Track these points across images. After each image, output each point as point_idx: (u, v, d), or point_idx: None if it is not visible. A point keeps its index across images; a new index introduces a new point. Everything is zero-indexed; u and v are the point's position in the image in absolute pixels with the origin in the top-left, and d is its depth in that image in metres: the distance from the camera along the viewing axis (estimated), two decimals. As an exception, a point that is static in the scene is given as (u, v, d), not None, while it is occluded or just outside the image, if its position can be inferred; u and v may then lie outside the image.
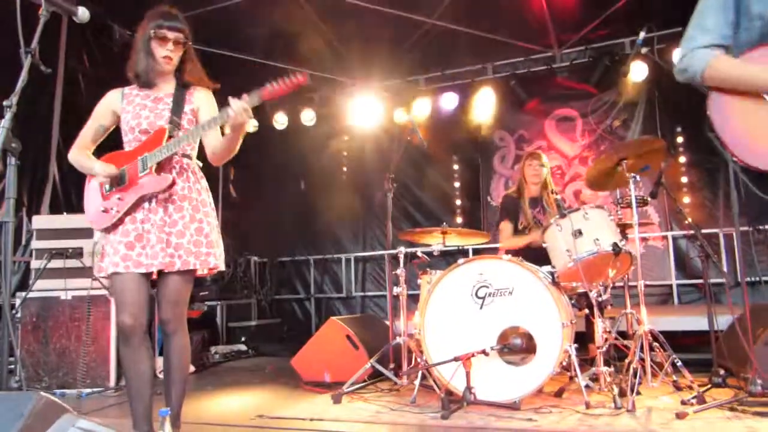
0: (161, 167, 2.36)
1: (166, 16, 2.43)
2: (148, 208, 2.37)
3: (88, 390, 3.95)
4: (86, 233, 4.12)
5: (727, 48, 1.73)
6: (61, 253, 4.02)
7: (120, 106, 2.48)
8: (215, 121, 2.32)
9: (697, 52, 1.72)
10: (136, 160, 2.37)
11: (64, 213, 4.70)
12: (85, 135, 2.52)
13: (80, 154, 2.47)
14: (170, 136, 2.36)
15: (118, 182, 2.38)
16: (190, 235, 2.37)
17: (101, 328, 4.05)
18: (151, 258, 2.31)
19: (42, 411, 1.41)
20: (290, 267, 7.74)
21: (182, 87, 2.51)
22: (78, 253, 4.08)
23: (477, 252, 6.39)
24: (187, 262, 2.34)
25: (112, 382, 4.00)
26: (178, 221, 2.36)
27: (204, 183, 2.54)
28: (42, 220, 4.31)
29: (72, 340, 4.02)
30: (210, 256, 2.40)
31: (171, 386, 2.43)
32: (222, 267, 2.48)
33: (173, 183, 2.36)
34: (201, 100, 2.51)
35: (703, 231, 3.52)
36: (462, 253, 6.22)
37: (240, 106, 2.20)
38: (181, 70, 2.51)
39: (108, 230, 2.39)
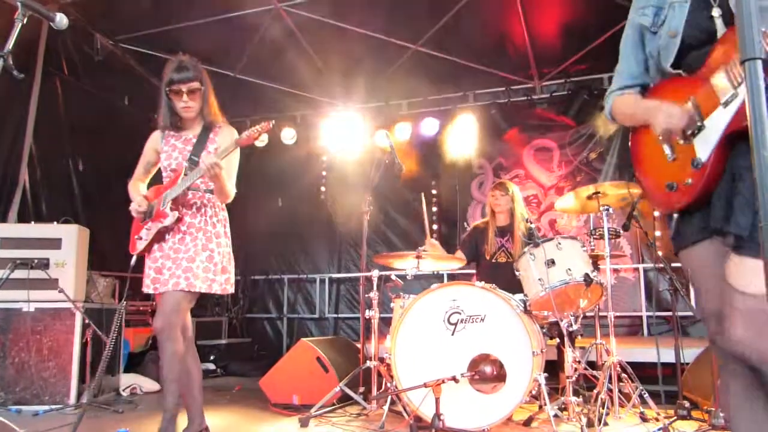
0: (176, 202, 2.62)
1: (177, 68, 2.61)
2: (168, 238, 2.63)
3: (46, 407, 3.79)
4: (53, 244, 4.00)
5: (645, 86, 1.72)
6: (25, 264, 3.87)
7: (160, 146, 2.75)
8: (199, 172, 2.52)
9: (609, 97, 1.76)
10: (162, 196, 2.65)
11: (33, 222, 4.57)
12: (138, 169, 2.87)
13: (132, 186, 2.82)
14: (185, 175, 2.60)
15: (149, 215, 2.67)
16: (200, 261, 2.59)
17: (64, 342, 3.91)
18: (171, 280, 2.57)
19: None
20: (264, 285, 7.64)
21: (207, 128, 2.70)
22: (44, 264, 3.94)
23: (452, 277, 6.41)
24: (192, 285, 2.55)
25: (72, 400, 3.85)
26: (191, 248, 2.60)
27: (222, 215, 2.76)
28: (6, 229, 4.18)
29: (32, 354, 3.87)
30: (214, 282, 2.63)
31: (167, 392, 2.60)
32: (230, 291, 2.74)
33: (179, 219, 2.60)
34: (222, 139, 2.68)
35: (673, 264, 3.57)
36: (436, 277, 6.21)
37: (209, 162, 2.43)
38: (203, 113, 2.69)
39: (143, 254, 2.69)
